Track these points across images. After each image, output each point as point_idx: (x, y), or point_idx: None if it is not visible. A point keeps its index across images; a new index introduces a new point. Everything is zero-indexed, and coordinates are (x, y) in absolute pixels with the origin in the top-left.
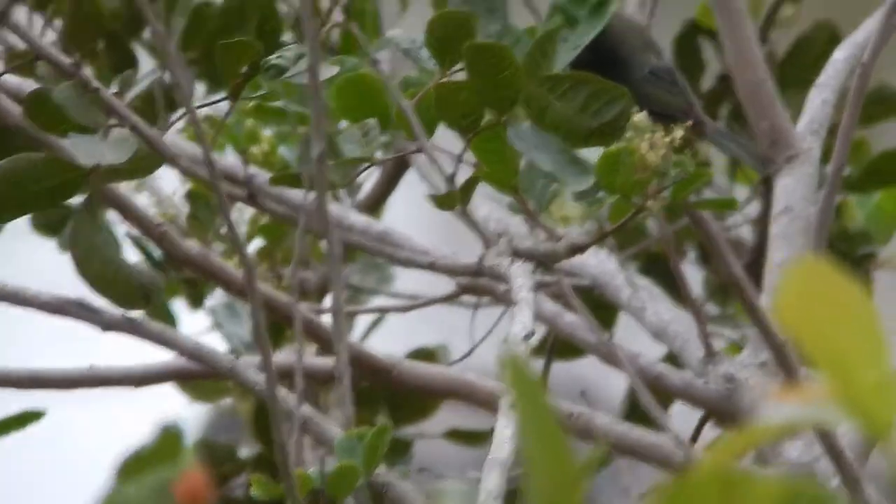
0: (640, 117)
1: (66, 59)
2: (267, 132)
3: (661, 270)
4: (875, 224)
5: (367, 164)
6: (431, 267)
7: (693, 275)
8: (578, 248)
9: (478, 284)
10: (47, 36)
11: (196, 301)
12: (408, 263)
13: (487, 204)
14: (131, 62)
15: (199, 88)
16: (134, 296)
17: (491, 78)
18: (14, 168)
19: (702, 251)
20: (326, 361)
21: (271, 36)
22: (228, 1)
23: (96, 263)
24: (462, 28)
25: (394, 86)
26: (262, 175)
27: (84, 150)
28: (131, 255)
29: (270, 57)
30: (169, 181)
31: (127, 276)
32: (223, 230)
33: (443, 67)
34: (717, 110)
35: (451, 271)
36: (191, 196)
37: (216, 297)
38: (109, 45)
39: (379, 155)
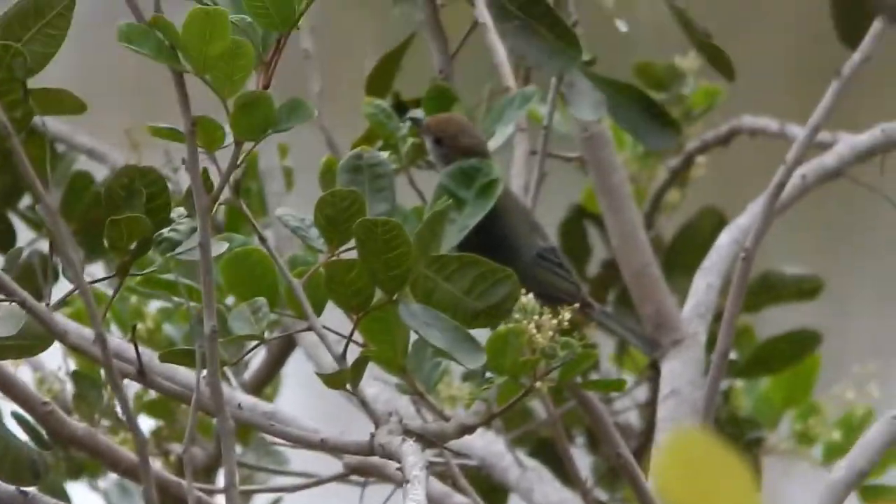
0: (527, 299)
1: None
2: (151, 309)
3: (550, 454)
4: (762, 411)
5: (256, 342)
6: (323, 446)
7: (582, 459)
8: (467, 429)
9: (366, 464)
10: None
11: (77, 473)
12: (299, 442)
13: (375, 384)
14: (9, 234)
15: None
16: (23, 472)
17: (381, 256)
18: None
19: (590, 436)
20: None
21: (161, 212)
22: (116, 177)
23: None
24: (351, 207)
25: (283, 263)
26: (149, 353)
27: None
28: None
29: (163, 230)
30: (52, 358)
31: (16, 452)
32: (113, 406)
33: (331, 246)
34: (605, 294)
35: (342, 450)
36: (76, 375)
37: (109, 478)
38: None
39: (268, 333)
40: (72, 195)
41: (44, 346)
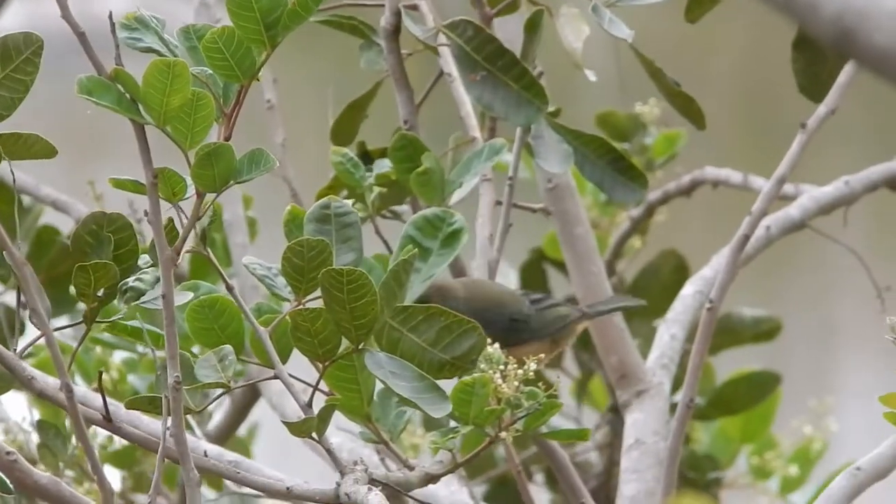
0: (492, 349)
1: None
2: (115, 360)
3: (509, 494)
4: (720, 446)
5: (223, 391)
6: (288, 494)
7: (540, 495)
8: (432, 478)
9: None
10: None
11: None
12: (266, 490)
13: (338, 434)
14: None
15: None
16: None
17: (347, 306)
18: None
19: (548, 474)
20: None
21: (128, 258)
22: (83, 224)
23: None
24: (318, 256)
25: (249, 311)
26: (115, 403)
27: None
28: None
29: (128, 280)
30: (16, 408)
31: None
32: (78, 457)
33: (298, 295)
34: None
35: (308, 498)
36: (41, 424)
37: None
38: None
39: (234, 382)
40: (38, 248)
41: (5, 388)
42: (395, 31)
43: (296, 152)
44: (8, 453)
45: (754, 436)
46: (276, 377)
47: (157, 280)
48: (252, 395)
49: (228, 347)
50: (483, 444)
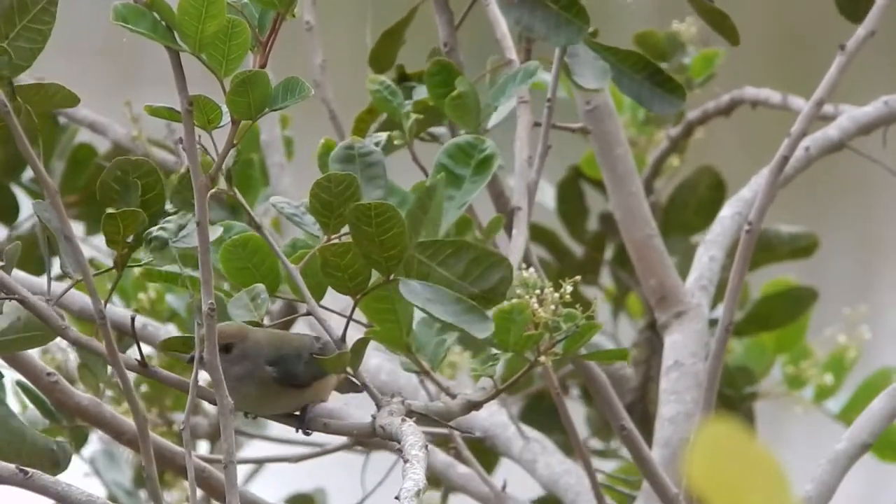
0: (529, 273)
1: None
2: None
3: (545, 410)
4: (754, 358)
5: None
6: (326, 429)
7: (576, 411)
8: (474, 405)
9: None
10: None
11: (75, 447)
12: None
13: (377, 355)
14: (13, 206)
15: (78, 228)
16: (44, 463)
17: (375, 239)
18: None
19: (585, 390)
20: None
21: (155, 204)
22: (109, 171)
23: (1, 434)
24: (345, 191)
25: (282, 247)
26: (152, 325)
27: None
28: (16, 403)
29: (152, 228)
30: None
31: (32, 444)
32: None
33: (327, 231)
34: (602, 253)
35: (344, 433)
36: (79, 350)
37: (94, 443)
38: None
39: (267, 320)
40: (74, 167)
41: (47, 339)
42: None
43: (334, 73)
44: (48, 374)
45: (789, 346)
46: (308, 313)
47: (181, 228)
48: (289, 323)
49: (261, 286)
50: (523, 368)
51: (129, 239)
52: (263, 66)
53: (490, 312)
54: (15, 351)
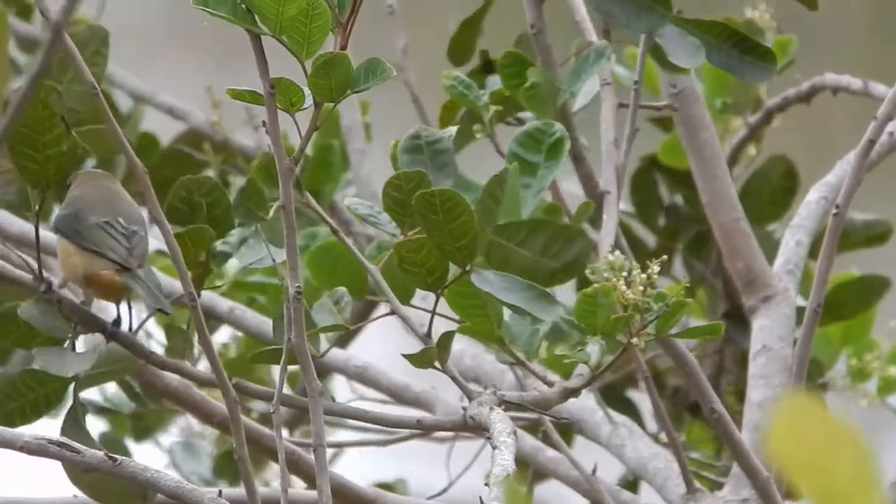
0: (615, 256)
1: (27, 276)
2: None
3: (618, 398)
4: (820, 350)
5: (341, 333)
6: (419, 426)
7: (645, 400)
8: (571, 393)
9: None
10: None
11: (143, 435)
12: (397, 425)
13: (459, 340)
14: None
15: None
16: (130, 498)
17: (445, 227)
18: None
19: (657, 379)
20: (310, 494)
21: (223, 220)
22: (174, 192)
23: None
24: (416, 188)
25: (356, 251)
26: (239, 308)
27: (54, 364)
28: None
29: (216, 244)
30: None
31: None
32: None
33: (403, 228)
34: (674, 243)
35: (438, 428)
36: (169, 329)
37: (173, 436)
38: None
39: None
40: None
41: (130, 369)
42: None
43: (417, 56)
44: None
45: (856, 337)
46: (392, 312)
47: (243, 241)
48: (368, 306)
49: (343, 289)
50: (617, 351)
51: (201, 258)
52: (344, 47)
53: (566, 292)
54: (102, 382)
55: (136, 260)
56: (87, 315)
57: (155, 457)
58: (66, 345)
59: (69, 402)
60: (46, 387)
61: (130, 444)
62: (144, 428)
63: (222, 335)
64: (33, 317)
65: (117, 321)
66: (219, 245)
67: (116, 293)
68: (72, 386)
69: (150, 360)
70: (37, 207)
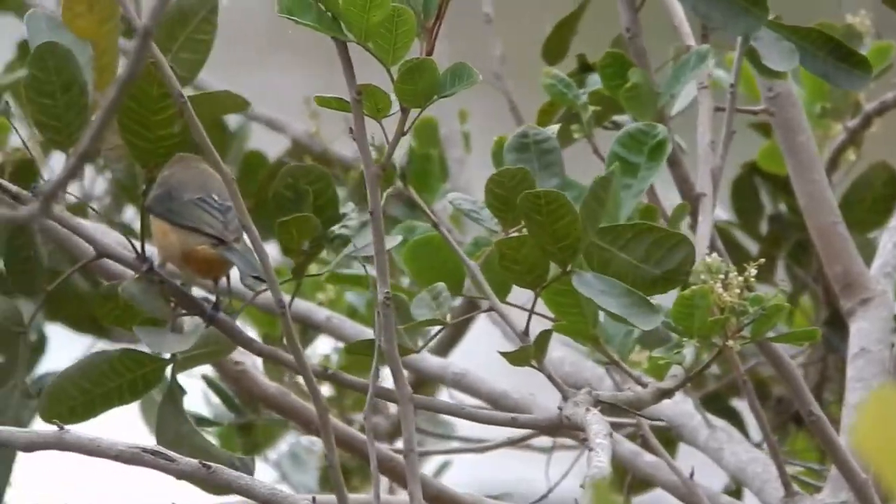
0: (712, 259)
1: (129, 254)
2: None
3: (719, 405)
4: None
5: (439, 328)
6: (514, 423)
7: (745, 406)
8: (665, 393)
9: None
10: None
11: (252, 449)
12: (489, 422)
13: (560, 347)
14: None
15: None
16: None
17: (548, 228)
18: (91, 365)
19: (757, 385)
20: (403, 500)
21: (328, 208)
22: (280, 179)
23: (184, 452)
24: (520, 185)
25: (457, 246)
26: (336, 317)
27: (154, 343)
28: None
29: (334, 228)
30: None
31: (216, 458)
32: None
33: (504, 226)
34: (777, 249)
35: (532, 427)
36: (266, 338)
37: (280, 450)
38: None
39: (450, 317)
40: (246, 172)
41: (227, 351)
42: None
43: (514, 65)
44: (236, 363)
45: None
46: (490, 309)
47: (363, 225)
48: (474, 305)
49: (442, 285)
50: (712, 354)
51: (305, 246)
52: (430, 53)
53: (664, 298)
54: (199, 365)
55: (231, 234)
56: (187, 297)
57: (264, 472)
58: (166, 326)
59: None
60: (144, 367)
61: None
62: (253, 443)
63: (324, 346)
64: (134, 296)
65: (216, 305)
66: (337, 229)
67: (215, 269)
68: (169, 368)
69: (248, 345)
70: (143, 186)
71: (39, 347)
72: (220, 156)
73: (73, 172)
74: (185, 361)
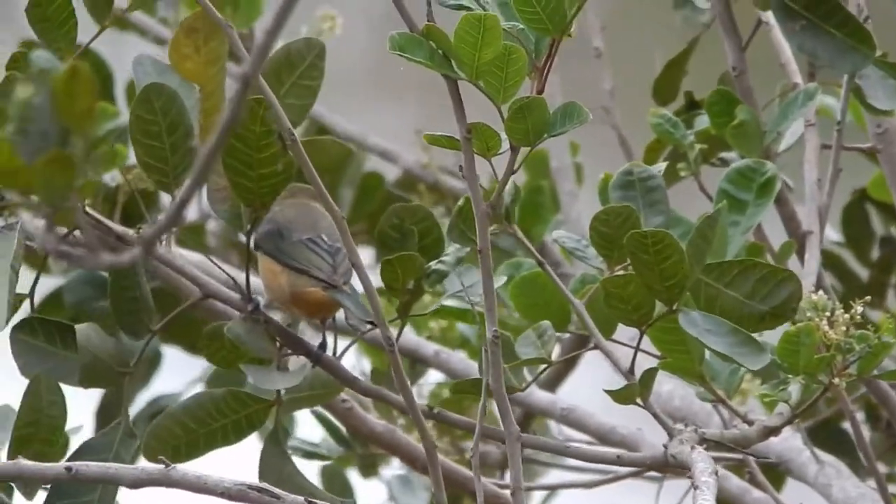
0: (818, 296)
1: (236, 295)
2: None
3: (829, 435)
4: None
5: (544, 366)
6: (619, 461)
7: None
8: (771, 431)
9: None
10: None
11: (368, 471)
12: (596, 460)
13: (669, 381)
14: None
15: (367, 254)
16: None
17: (655, 267)
18: (196, 405)
19: (869, 413)
20: None
21: (434, 248)
22: (386, 218)
23: (289, 488)
24: (625, 223)
25: (561, 283)
26: (444, 352)
27: (261, 379)
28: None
29: (431, 263)
30: (346, 358)
31: (320, 500)
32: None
33: (610, 263)
34: (888, 276)
35: (638, 464)
36: (374, 373)
37: (392, 469)
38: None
39: (556, 354)
40: (363, 195)
41: (333, 394)
42: None
43: (624, 99)
44: (343, 401)
45: None
46: (595, 347)
47: (459, 261)
48: (581, 342)
49: (547, 323)
50: (818, 392)
51: (409, 285)
52: (541, 91)
53: (771, 333)
54: (304, 407)
55: (340, 277)
56: (293, 337)
57: (374, 490)
58: (272, 364)
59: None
60: (249, 408)
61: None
62: (370, 462)
63: (435, 376)
64: (239, 336)
65: (322, 345)
66: (433, 265)
67: (323, 311)
68: (274, 409)
69: (354, 385)
70: (249, 226)
71: (154, 366)
72: (339, 178)
73: (177, 216)
74: (290, 403)
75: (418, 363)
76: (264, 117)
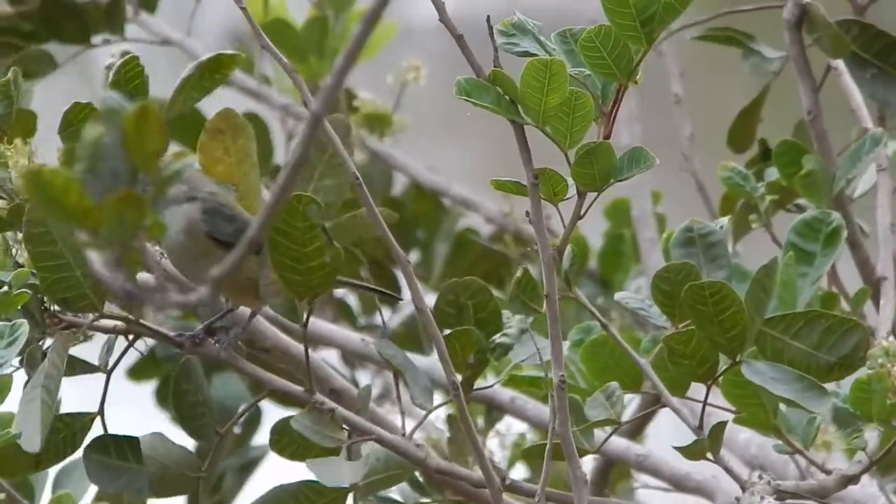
0: (889, 342)
1: (297, 388)
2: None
3: None
4: None
5: (614, 427)
6: None
7: None
8: (849, 480)
9: None
10: None
11: None
12: None
13: (745, 430)
14: (395, 288)
15: None
16: None
17: (714, 319)
18: (275, 499)
19: None
20: None
21: (491, 322)
22: (442, 295)
23: None
24: (685, 280)
25: (625, 344)
26: (520, 398)
27: (327, 477)
28: None
29: (495, 336)
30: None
31: None
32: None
33: (673, 321)
34: None
35: None
36: (451, 419)
37: None
38: (374, 272)
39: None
40: (458, 250)
41: (408, 474)
42: (799, 22)
43: (704, 145)
44: (417, 446)
45: None
46: (663, 405)
47: (523, 332)
48: (655, 399)
49: (615, 384)
50: (894, 439)
51: (470, 359)
52: (608, 136)
53: (832, 386)
54: (381, 490)
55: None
56: (359, 423)
57: None
58: (341, 455)
59: None
60: (326, 497)
61: None
62: None
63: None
64: (306, 428)
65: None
66: (497, 338)
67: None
68: (351, 495)
69: (424, 464)
70: (304, 318)
71: (255, 421)
72: (434, 231)
73: (247, 326)
74: (366, 487)
75: (494, 409)
76: (305, 212)
